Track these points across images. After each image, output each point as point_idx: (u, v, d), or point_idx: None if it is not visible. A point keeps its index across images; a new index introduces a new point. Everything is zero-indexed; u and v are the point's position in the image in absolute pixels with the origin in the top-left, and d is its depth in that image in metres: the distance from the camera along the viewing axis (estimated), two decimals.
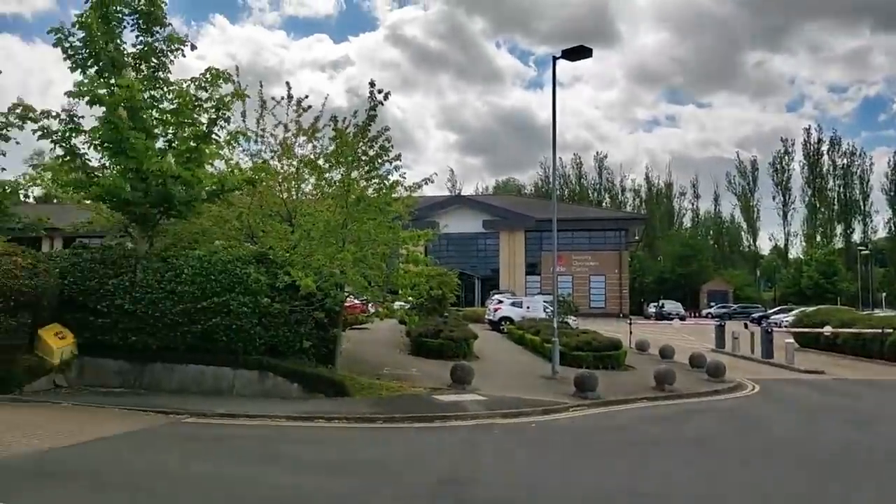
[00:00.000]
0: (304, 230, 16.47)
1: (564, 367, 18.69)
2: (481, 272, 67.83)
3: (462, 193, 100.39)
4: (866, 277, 77.52)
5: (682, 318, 60.19)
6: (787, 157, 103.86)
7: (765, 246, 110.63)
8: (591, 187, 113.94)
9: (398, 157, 16.82)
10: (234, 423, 11.94)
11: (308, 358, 15.02)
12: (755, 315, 57.93)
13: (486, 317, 40.89)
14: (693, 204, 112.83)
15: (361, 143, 16.95)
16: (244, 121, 18.52)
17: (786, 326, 37.67)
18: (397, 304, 18.49)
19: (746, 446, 11.38)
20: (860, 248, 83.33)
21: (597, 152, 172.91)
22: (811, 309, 40.77)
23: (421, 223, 27.21)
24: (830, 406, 16.47)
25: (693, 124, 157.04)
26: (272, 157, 19.16)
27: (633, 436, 12.20)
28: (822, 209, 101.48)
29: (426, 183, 17.85)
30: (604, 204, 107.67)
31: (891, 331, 27.43)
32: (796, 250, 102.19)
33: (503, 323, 36.47)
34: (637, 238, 79.70)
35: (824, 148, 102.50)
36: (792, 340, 26.78)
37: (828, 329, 29.98)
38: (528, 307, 38.70)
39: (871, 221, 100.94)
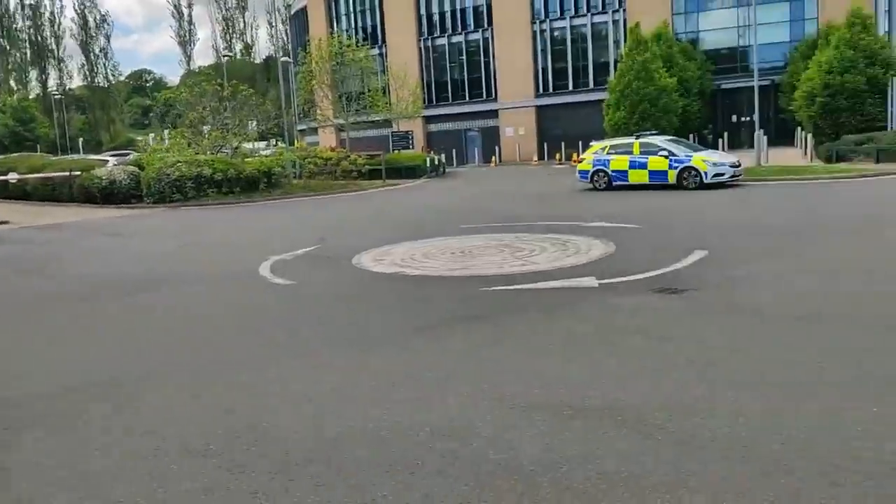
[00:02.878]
0: None
1: None
2: None
3: None
4: (63, 124, 77.19)
5: None
6: None
7: None
8: None
9: None
10: None
11: None
12: None
13: None
14: None
15: None
16: None
17: None
18: None
19: None
20: (55, 94, 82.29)
21: None
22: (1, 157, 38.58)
23: None
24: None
25: None
26: None
27: None
28: (15, 52, 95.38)
29: None
30: None
31: (79, 173, 27.46)
32: None
33: None
34: None
35: None
36: None
37: (13, 176, 28.25)
38: None
39: (67, 67, 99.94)
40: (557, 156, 42.69)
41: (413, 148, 39.03)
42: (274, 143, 45.24)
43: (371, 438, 4.41)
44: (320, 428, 4.66)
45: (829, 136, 28.55)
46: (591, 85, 45.45)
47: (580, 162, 23.66)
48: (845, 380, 5.03)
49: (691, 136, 35.62)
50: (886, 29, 36.67)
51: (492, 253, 11.68)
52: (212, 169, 26.16)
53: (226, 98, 31.68)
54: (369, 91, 38.81)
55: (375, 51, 50.65)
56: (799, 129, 32.95)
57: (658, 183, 21.42)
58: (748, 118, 36.58)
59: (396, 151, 37.71)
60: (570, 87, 47.06)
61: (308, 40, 41.88)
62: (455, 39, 50.85)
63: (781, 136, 38.43)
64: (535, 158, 45.11)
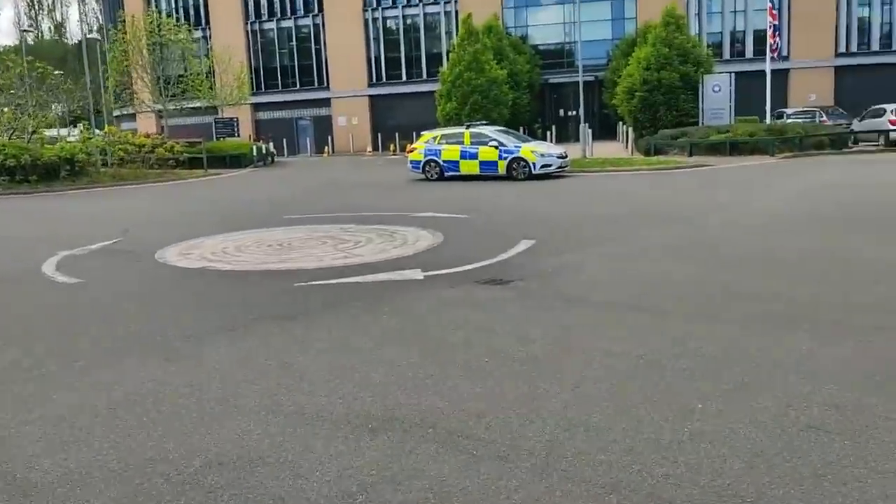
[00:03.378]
0: None
1: None
2: None
3: None
4: None
5: None
6: None
7: None
8: None
9: None
10: None
11: None
12: None
13: None
14: None
15: None
16: None
17: None
18: None
19: None
20: None
21: None
22: None
23: None
24: None
25: None
26: None
27: None
28: None
29: None
30: None
31: None
32: None
33: None
34: None
35: None
36: None
37: None
38: None
39: None
40: (392, 146, 42.24)
41: (238, 136, 37.10)
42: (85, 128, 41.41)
43: (123, 471, 3.51)
44: (58, 458, 3.70)
45: (648, 131, 29.99)
46: (425, 75, 45.36)
47: (412, 152, 23.20)
48: (665, 374, 4.71)
49: (521, 128, 36.31)
50: (696, 30, 39.27)
51: (313, 245, 10.88)
52: (2, 154, 23.28)
53: (31, 80, 28.38)
54: (191, 75, 36.31)
55: (199, 33, 47.84)
56: (621, 123, 34.44)
57: (489, 173, 21.38)
58: (574, 112, 37.83)
59: (221, 139, 35.64)
60: (404, 78, 46.75)
61: (122, 17, 38.52)
62: (284, 24, 49.00)
63: (605, 130, 40.17)
64: (369, 149, 44.45)
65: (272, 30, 49.25)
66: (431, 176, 22.24)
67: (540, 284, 7.67)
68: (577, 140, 28.43)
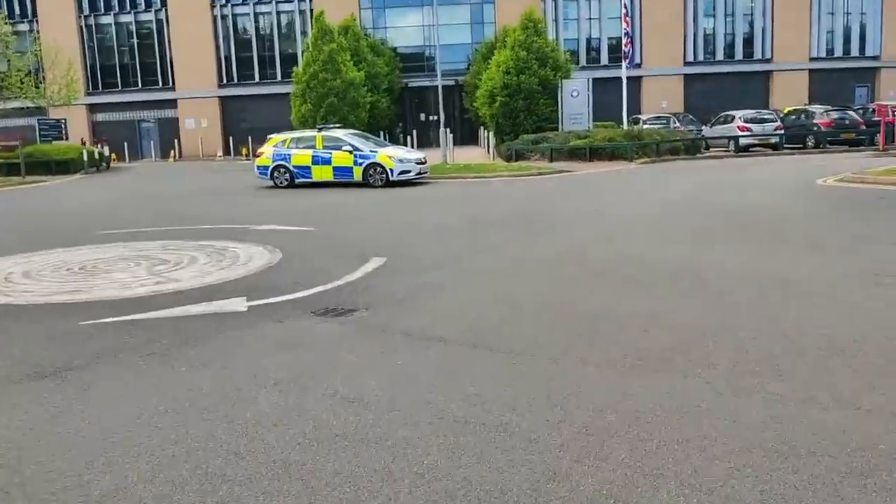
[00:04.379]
0: None
1: None
2: None
3: None
4: None
5: None
6: None
7: None
8: None
9: None
10: None
11: None
12: None
13: None
14: None
15: None
16: None
17: None
18: None
19: None
20: None
21: None
22: None
23: None
24: None
25: None
26: None
27: None
28: None
29: None
30: None
31: None
32: None
33: None
34: None
35: None
36: None
37: None
38: None
39: None
40: (244, 151, 39.81)
41: (67, 139, 33.55)
42: None
43: None
44: None
45: (509, 136, 29.48)
46: (279, 76, 43.10)
47: (259, 156, 21.34)
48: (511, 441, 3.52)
49: (382, 133, 35.04)
50: (554, 35, 39.48)
51: (123, 268, 9.12)
52: None
53: None
54: (11, 72, 32.34)
55: (25, 26, 43.31)
56: (483, 128, 33.87)
57: (344, 180, 19.93)
58: (436, 117, 37.01)
59: (49, 142, 32.05)
60: (257, 79, 44.25)
61: None
62: (123, 19, 45.13)
63: (468, 135, 39.60)
64: (220, 153, 41.75)
65: (110, 25, 45.20)
66: (281, 183, 20.50)
67: (386, 315, 6.38)
68: (439, 145, 27.47)
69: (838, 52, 43.89)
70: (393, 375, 4.75)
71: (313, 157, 20.12)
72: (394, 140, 35.00)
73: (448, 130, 27.47)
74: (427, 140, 37.21)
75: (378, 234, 11.43)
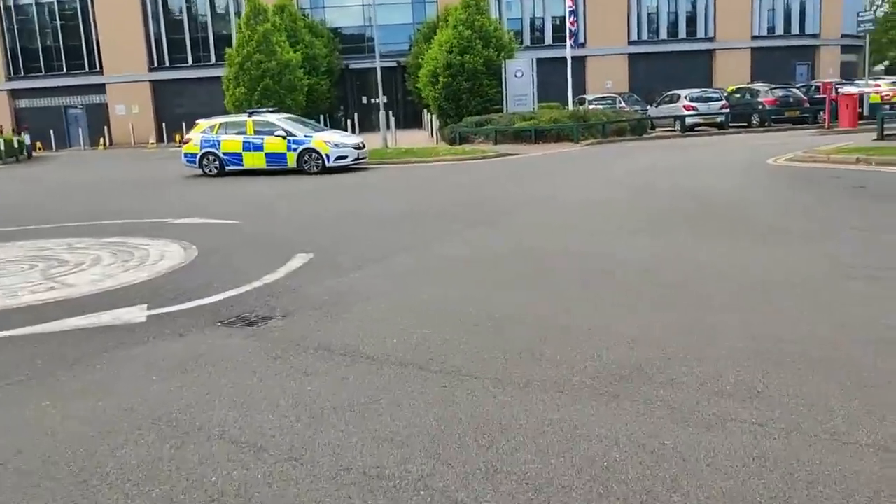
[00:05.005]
0: None
1: None
2: None
3: None
4: None
5: None
6: None
7: None
8: None
9: None
10: None
11: None
12: None
13: None
14: None
15: None
16: None
17: None
18: None
19: None
20: None
21: None
22: None
23: None
24: None
25: None
26: None
27: None
28: None
29: None
30: None
31: None
32: None
33: None
34: None
35: None
36: None
37: None
38: None
39: None
40: (178, 137, 38.09)
41: None
42: None
43: None
44: None
45: (453, 119, 28.61)
46: (213, 59, 41.33)
47: (186, 143, 20.08)
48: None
49: (322, 117, 33.82)
50: (497, 14, 38.65)
51: (16, 271, 8.08)
52: None
53: None
54: None
55: None
56: (426, 111, 32.93)
57: (277, 167, 18.86)
58: (378, 100, 35.94)
59: None
60: (190, 62, 42.38)
61: None
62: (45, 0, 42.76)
63: (410, 118, 38.60)
64: (153, 140, 39.93)
65: (31, 5, 42.73)
66: (210, 171, 19.32)
67: (304, 325, 5.54)
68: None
69: (779, 30, 44.11)
70: (300, 407, 3.92)
71: (244, 143, 18.98)
72: (335, 124, 33.83)
73: (390, 113, 26.50)
74: (369, 124, 36.09)
75: (308, 227, 10.53)
